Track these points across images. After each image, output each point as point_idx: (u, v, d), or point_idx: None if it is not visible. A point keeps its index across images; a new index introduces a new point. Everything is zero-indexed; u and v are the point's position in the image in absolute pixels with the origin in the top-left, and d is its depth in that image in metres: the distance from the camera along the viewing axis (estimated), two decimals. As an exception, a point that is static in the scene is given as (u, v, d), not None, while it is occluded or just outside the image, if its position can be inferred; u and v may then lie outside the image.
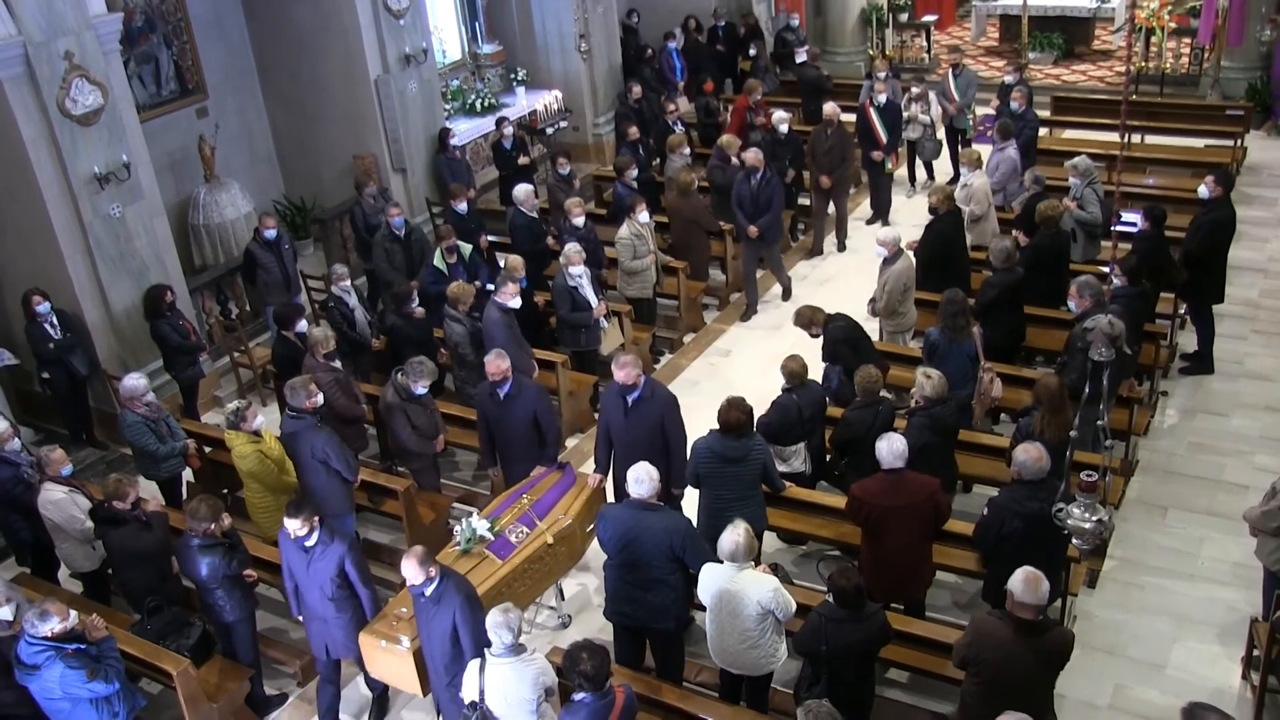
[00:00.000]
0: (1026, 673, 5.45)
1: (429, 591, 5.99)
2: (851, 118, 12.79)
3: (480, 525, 7.20)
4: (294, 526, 6.46)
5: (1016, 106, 12.09)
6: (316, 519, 6.53)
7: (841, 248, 12.69)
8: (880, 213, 13.10)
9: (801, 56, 15.23)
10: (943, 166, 13.87)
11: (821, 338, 8.42)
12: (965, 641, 5.68)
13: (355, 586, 6.69)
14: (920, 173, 13.93)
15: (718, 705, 6.37)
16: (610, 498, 7.62)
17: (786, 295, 11.63)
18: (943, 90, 13.39)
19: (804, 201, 13.07)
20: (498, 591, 6.81)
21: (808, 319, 8.42)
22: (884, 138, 12.59)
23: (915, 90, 13.44)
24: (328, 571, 6.54)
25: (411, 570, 5.94)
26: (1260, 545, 6.75)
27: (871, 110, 12.59)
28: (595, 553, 6.76)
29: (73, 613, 6.12)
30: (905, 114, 13.13)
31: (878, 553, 6.72)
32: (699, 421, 7.61)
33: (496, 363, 7.66)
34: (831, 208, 12.53)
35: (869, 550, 6.82)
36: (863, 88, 13.73)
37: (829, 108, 12.16)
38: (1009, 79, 13.05)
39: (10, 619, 6.30)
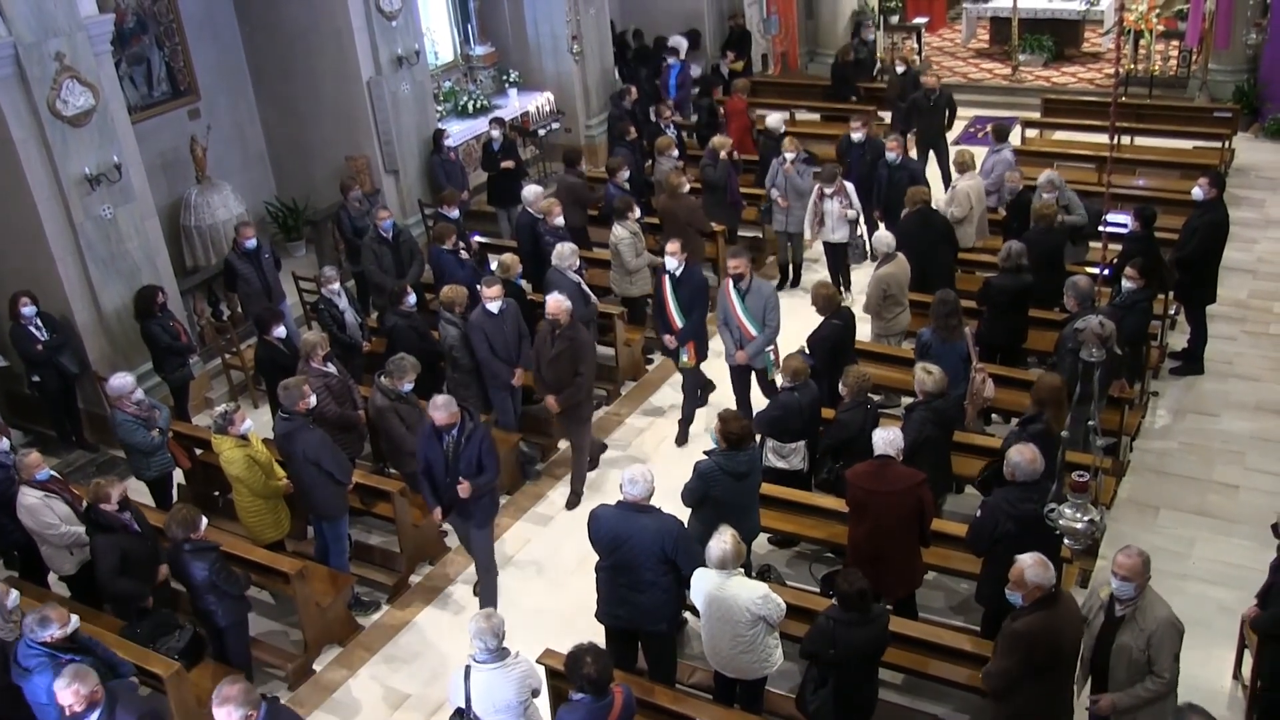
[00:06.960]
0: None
1: None
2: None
3: None
4: None
5: (894, 158, 10.90)
6: None
7: (573, 503, 8.83)
8: (683, 425, 9.47)
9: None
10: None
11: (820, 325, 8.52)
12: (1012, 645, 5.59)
13: None
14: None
15: (711, 707, 6.37)
16: None
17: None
18: (724, 315, 8.80)
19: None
20: None
21: (824, 301, 8.54)
22: (678, 320, 8.99)
23: (829, 189, 10.50)
24: None
25: None
26: None
27: (666, 281, 8.99)
28: (588, 555, 6.73)
29: (74, 617, 6.11)
30: (819, 211, 10.63)
31: (856, 537, 6.85)
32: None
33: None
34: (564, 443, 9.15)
35: (850, 535, 6.94)
36: (770, 168, 11.40)
37: (552, 301, 8.42)
38: (856, 136, 11.51)
39: (16, 604, 6.26)
